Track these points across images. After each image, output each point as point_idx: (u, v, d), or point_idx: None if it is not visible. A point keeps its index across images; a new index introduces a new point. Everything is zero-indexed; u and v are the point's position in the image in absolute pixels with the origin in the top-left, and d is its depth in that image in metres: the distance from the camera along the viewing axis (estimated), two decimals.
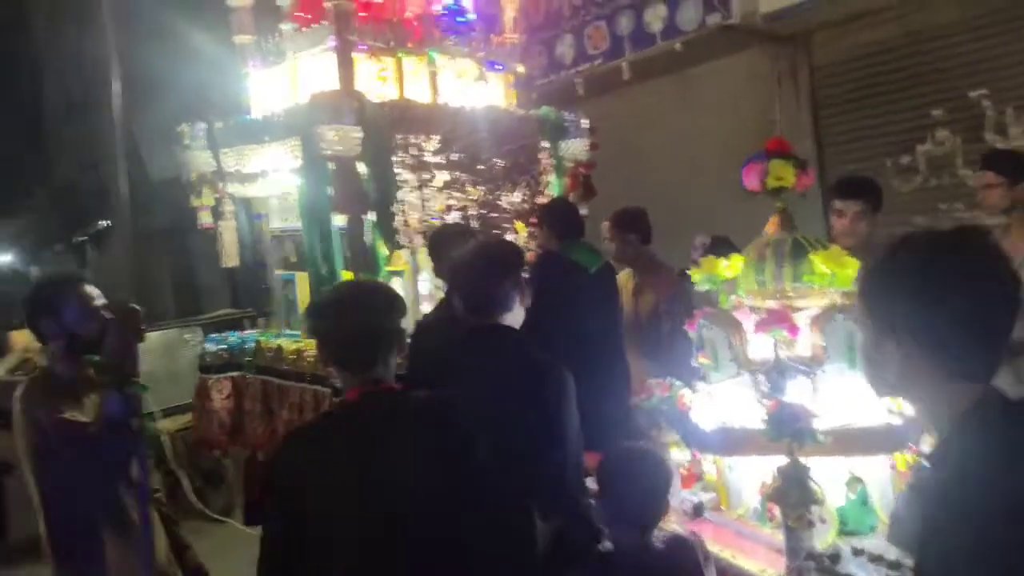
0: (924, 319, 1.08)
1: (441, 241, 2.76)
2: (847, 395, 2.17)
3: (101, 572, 2.19)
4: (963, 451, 1.08)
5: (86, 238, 5.49)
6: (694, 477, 2.57)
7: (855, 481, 2.15)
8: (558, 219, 3.37)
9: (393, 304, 1.76)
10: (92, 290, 2.37)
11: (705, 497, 2.43)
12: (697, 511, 2.36)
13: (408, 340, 1.98)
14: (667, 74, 6.32)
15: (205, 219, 3.64)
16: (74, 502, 2.20)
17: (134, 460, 2.31)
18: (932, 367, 1.09)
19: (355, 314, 1.72)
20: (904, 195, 5.12)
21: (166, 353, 4.32)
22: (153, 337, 4.49)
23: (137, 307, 2.36)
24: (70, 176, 10.61)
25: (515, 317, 2.16)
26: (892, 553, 1.79)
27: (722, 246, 3.32)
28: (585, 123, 3.92)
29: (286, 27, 3.63)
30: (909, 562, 1.74)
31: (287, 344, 3.40)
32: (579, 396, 2.55)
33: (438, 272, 2.83)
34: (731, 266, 2.51)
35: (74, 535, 2.21)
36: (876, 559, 1.78)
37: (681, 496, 2.41)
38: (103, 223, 5.78)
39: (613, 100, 6.49)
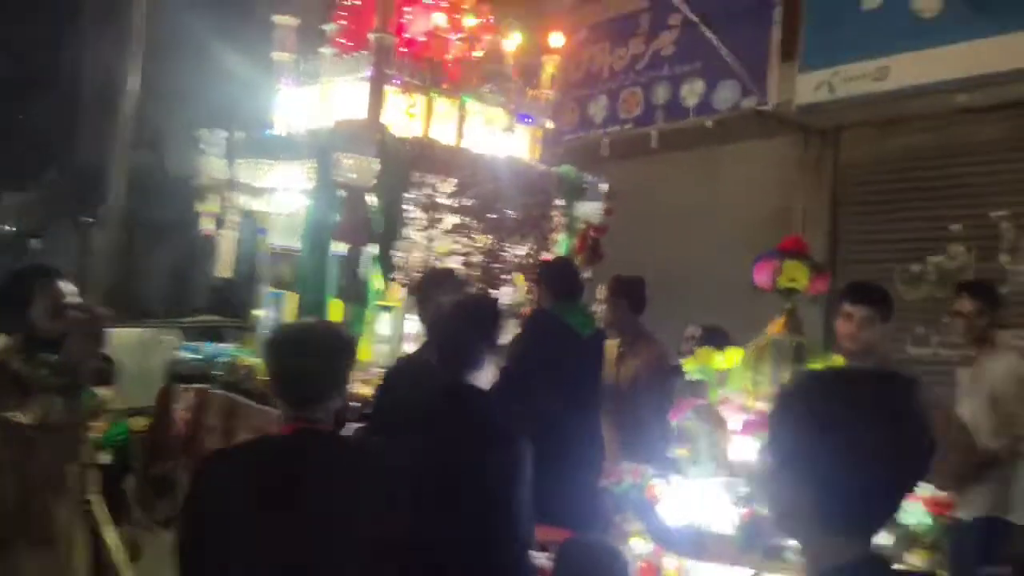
0: (810, 455, 1.03)
1: (429, 285, 2.72)
2: None
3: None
4: None
5: (92, 219, 5.49)
6: (653, 572, 2.46)
7: None
8: (556, 278, 3.33)
9: (342, 350, 1.83)
10: (65, 287, 2.29)
11: None
12: None
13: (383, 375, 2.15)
14: (694, 148, 6.36)
15: (207, 225, 3.61)
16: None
17: (71, 469, 2.20)
18: (813, 510, 1.04)
19: (302, 353, 1.76)
20: (908, 303, 5.06)
21: (141, 352, 4.21)
22: (131, 334, 4.42)
23: (104, 311, 2.28)
24: (88, 160, 10.75)
25: (484, 376, 2.14)
26: None
27: (715, 337, 3.26)
28: (604, 187, 3.91)
29: (326, 51, 3.67)
30: None
31: (261, 364, 3.33)
32: (552, 464, 2.48)
33: (421, 315, 2.77)
34: (727, 359, 2.44)
35: None
36: None
37: None
38: (106, 207, 5.77)
39: (637, 166, 6.52)
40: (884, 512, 1.09)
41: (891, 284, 5.01)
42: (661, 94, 6.28)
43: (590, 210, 3.87)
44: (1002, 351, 3.34)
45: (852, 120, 5.48)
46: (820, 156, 5.91)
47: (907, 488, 1.06)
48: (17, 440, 2.09)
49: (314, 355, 1.75)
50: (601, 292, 3.83)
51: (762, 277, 2.40)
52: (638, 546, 2.37)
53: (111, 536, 2.49)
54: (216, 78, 6.63)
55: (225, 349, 3.72)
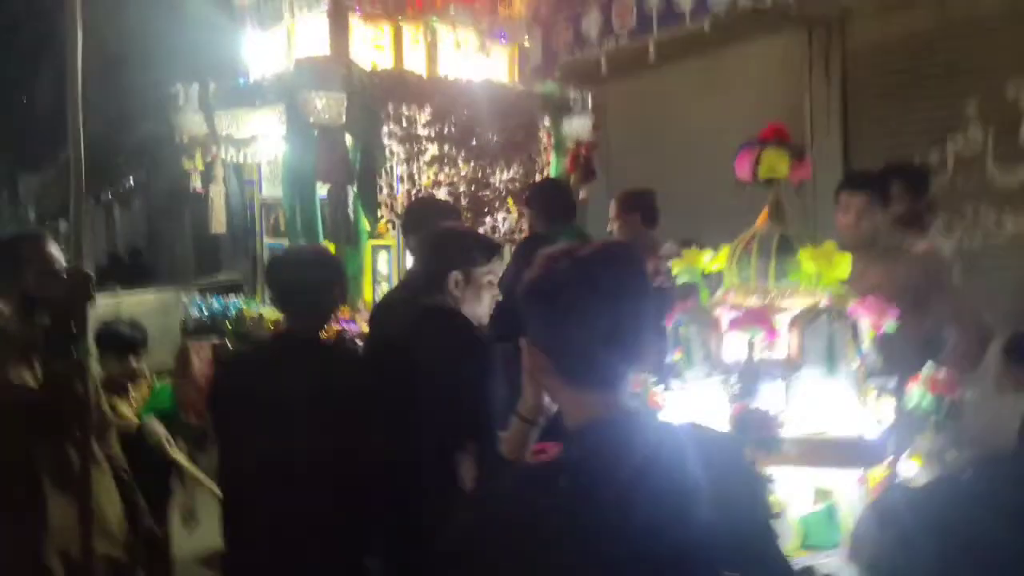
0: (537, 323, 1.14)
1: (414, 215, 2.69)
2: (823, 403, 2.06)
3: (42, 527, 2.15)
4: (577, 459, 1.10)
5: (111, 196, 5.53)
6: None
7: (824, 494, 2.05)
8: (547, 201, 3.27)
9: (324, 265, 2.15)
10: (55, 250, 2.30)
11: None
12: None
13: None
14: (695, 57, 6.12)
15: (195, 183, 3.61)
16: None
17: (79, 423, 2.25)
18: (554, 372, 1.12)
19: (287, 268, 2.14)
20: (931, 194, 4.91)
21: (161, 314, 4.32)
22: (149, 298, 4.52)
23: (89, 273, 2.30)
24: (101, 134, 10.72)
25: (473, 305, 2.17)
26: (844, 574, 1.70)
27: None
28: (590, 102, 3.79)
29: None
30: None
31: (268, 312, 3.39)
32: None
33: (409, 247, 2.77)
34: (716, 259, 2.39)
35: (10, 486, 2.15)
36: None
37: None
38: (128, 183, 5.80)
39: (637, 81, 6.31)
40: (619, 363, 1.13)
41: None
42: (654, 2, 6.03)
43: (578, 127, 3.77)
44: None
45: (854, 6, 5.21)
46: (826, 48, 5.66)
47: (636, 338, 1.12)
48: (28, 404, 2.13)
49: (296, 269, 2.11)
50: (612, 209, 3.76)
51: (743, 168, 2.32)
52: None
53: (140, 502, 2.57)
54: (185, 30, 6.46)
55: (233, 302, 3.79)
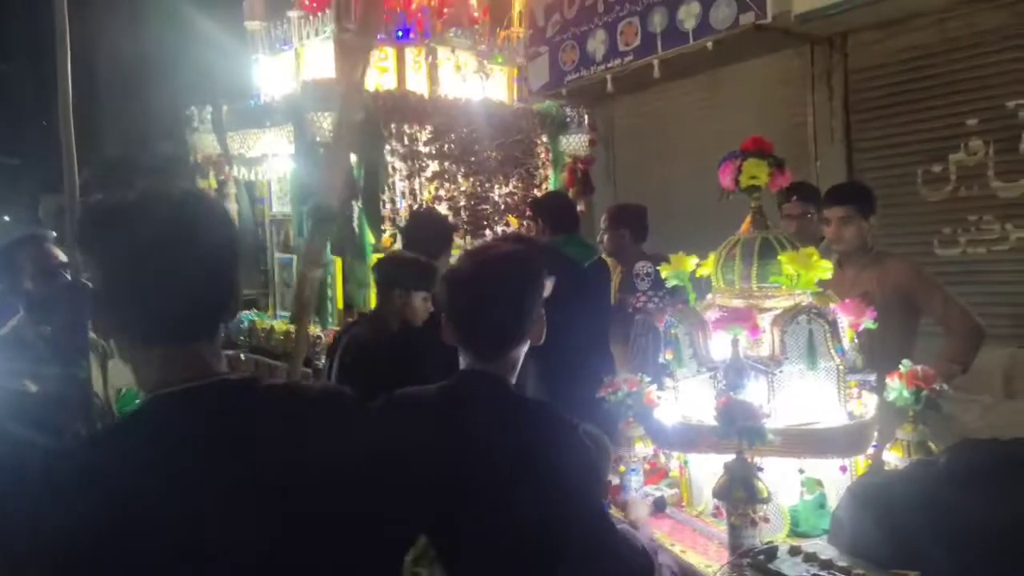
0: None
1: (411, 228, 2.81)
2: (805, 396, 2.14)
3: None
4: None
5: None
6: (661, 474, 2.57)
7: (814, 483, 2.12)
8: (552, 212, 3.38)
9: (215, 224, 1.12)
10: (54, 249, 2.31)
11: (668, 493, 2.43)
12: (658, 506, 2.36)
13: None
14: (699, 73, 6.24)
15: None
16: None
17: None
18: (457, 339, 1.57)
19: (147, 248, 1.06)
20: (932, 204, 4.96)
21: None
22: None
23: (88, 284, 2.31)
24: (118, 151, 10.92)
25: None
26: (827, 553, 1.77)
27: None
28: (586, 119, 3.92)
29: (294, 14, 3.71)
30: (842, 562, 1.72)
31: (279, 325, 3.50)
32: (557, 387, 2.57)
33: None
34: (704, 264, 2.49)
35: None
36: (809, 557, 1.76)
37: (644, 492, 2.42)
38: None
39: (643, 98, 6.44)
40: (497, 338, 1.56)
41: (913, 186, 4.93)
42: (658, 21, 6.15)
43: (575, 143, 3.89)
44: None
45: (855, 24, 5.32)
46: (828, 66, 5.75)
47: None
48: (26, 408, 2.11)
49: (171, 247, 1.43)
50: (603, 222, 3.87)
51: (726, 177, 2.43)
52: (641, 449, 2.49)
53: None
54: (197, 54, 6.63)
55: (246, 315, 3.90)
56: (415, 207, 3.25)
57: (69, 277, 1.88)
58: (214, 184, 3.76)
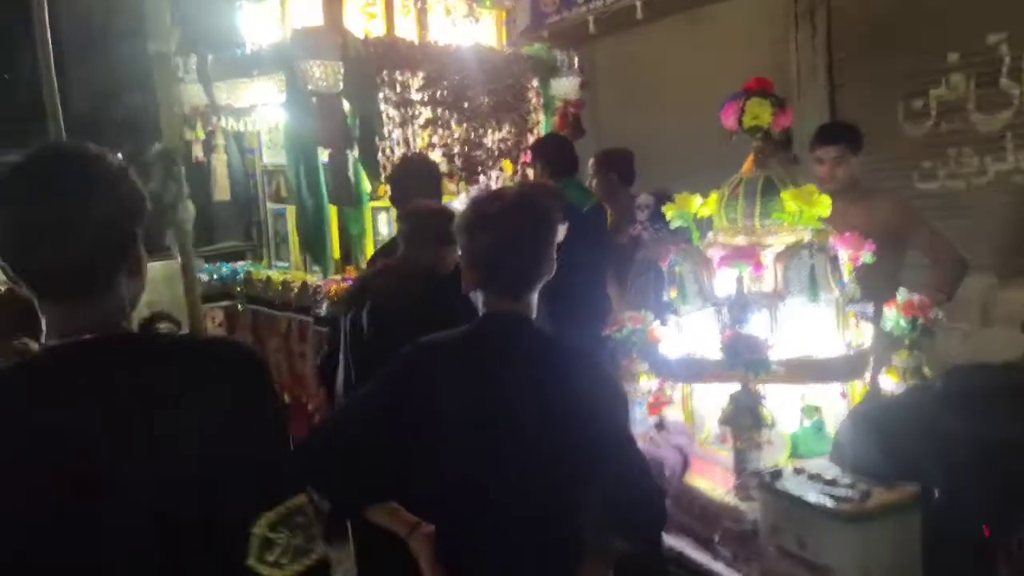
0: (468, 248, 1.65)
1: (400, 171, 2.78)
2: (806, 327, 2.23)
3: None
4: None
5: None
6: (663, 406, 2.66)
7: (812, 410, 2.23)
8: (553, 156, 3.39)
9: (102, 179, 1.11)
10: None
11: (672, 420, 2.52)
12: (658, 426, 2.46)
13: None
14: (681, 13, 6.18)
15: (197, 152, 3.69)
16: None
17: None
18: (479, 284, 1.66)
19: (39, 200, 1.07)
20: (913, 140, 5.04)
21: (169, 283, 4.42)
22: (157, 267, 4.59)
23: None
24: (86, 107, 10.54)
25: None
26: (830, 472, 1.88)
27: (666, 200, 3.34)
28: (576, 62, 3.90)
29: None
30: (845, 479, 1.83)
31: (276, 275, 3.51)
32: (559, 328, 2.63)
33: (396, 199, 2.83)
34: (707, 204, 2.55)
35: None
36: (814, 477, 1.87)
37: (646, 422, 2.51)
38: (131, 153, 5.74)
39: (626, 39, 6.36)
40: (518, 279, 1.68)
41: (894, 122, 4.98)
42: None
43: (566, 87, 3.88)
44: None
45: None
46: (811, 4, 5.73)
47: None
48: None
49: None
50: (591, 167, 3.90)
51: (728, 118, 2.47)
52: (646, 383, 2.58)
53: None
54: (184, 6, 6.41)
55: (241, 266, 3.89)
56: (410, 155, 3.23)
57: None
58: (201, 135, 3.69)
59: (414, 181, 2.73)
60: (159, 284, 4.76)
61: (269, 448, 1.15)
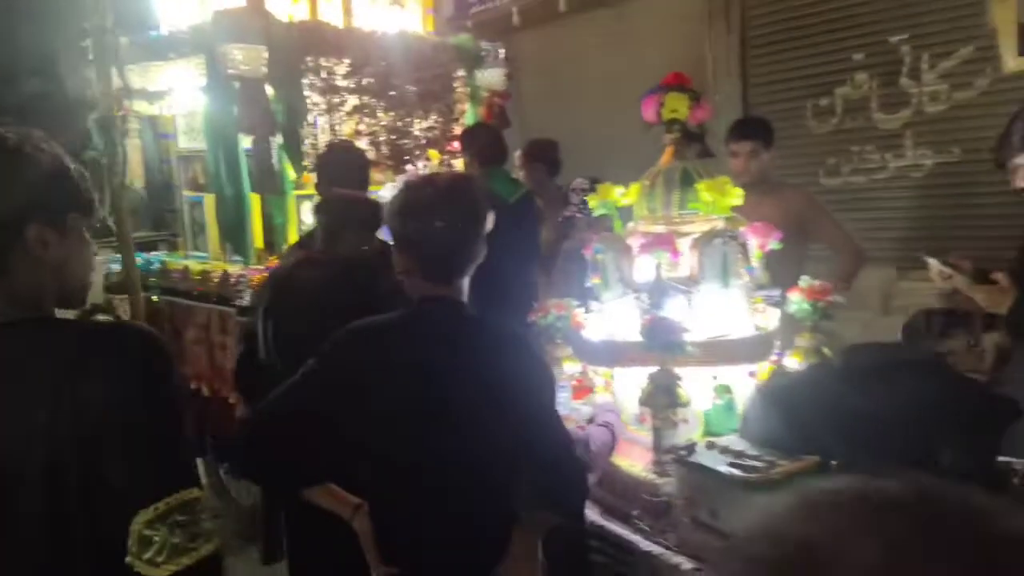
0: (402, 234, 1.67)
1: (326, 160, 2.75)
2: (719, 311, 2.35)
3: None
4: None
5: None
6: (587, 390, 2.75)
7: (724, 389, 2.36)
8: (482, 145, 3.41)
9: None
10: None
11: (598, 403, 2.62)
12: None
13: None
14: (603, 8, 6.30)
15: None
16: None
17: None
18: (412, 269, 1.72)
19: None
20: (819, 136, 5.30)
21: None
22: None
23: None
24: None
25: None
26: (739, 446, 2.00)
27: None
28: (502, 53, 3.95)
29: None
30: (753, 452, 1.95)
31: (193, 265, 3.41)
32: (489, 315, 2.66)
33: (320, 189, 2.81)
34: (627, 193, 2.64)
35: None
36: (725, 451, 1.99)
37: (571, 407, 2.59)
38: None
39: (549, 31, 6.46)
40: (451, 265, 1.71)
41: (802, 119, 5.23)
42: None
43: (492, 77, 3.92)
44: None
45: None
46: (725, 2, 5.95)
47: None
48: None
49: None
50: (518, 159, 3.97)
51: (648, 111, 2.57)
52: (569, 367, 2.66)
53: None
54: None
55: (155, 256, 3.76)
56: (336, 142, 3.20)
57: None
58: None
59: (340, 170, 2.72)
60: None
61: (160, 430, 1.14)
